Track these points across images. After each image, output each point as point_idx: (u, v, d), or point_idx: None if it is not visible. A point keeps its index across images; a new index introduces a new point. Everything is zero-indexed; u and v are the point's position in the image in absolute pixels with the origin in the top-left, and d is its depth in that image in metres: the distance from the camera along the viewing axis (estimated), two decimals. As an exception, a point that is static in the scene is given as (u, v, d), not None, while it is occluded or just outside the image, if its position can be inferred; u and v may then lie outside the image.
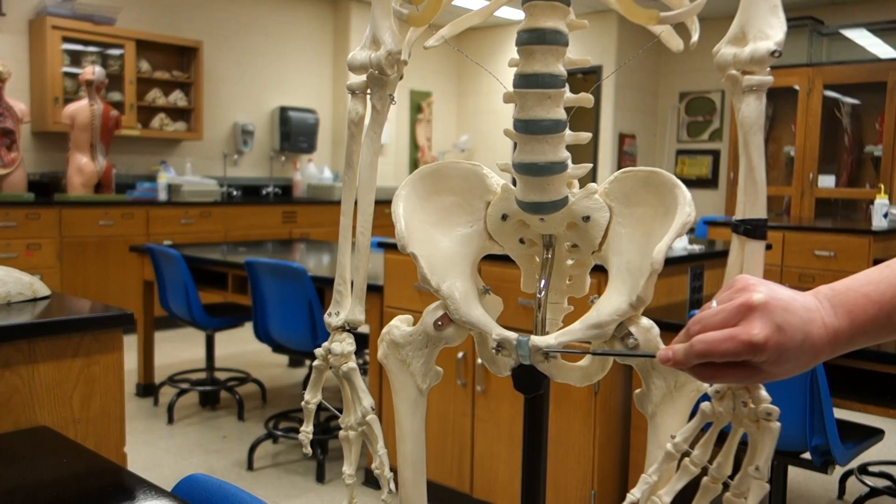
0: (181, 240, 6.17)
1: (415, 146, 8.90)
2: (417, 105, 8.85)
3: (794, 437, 2.25)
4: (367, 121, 1.00)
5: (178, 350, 5.56)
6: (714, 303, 0.72)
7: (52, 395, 1.50)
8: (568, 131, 0.92)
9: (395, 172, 8.55)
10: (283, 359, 5.32)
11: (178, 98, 6.80)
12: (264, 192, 7.61)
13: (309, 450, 1.06)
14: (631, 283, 0.88)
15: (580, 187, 0.96)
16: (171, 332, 6.02)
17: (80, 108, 5.81)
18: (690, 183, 8.43)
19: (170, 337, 5.89)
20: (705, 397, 0.87)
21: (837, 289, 0.73)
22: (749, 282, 0.71)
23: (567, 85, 0.91)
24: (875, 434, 2.50)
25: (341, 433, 1.03)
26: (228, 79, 7.33)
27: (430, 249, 0.95)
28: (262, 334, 3.60)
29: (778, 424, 0.81)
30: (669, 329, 2.47)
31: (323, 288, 3.49)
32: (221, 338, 5.77)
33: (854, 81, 7.16)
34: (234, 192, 7.21)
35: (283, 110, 7.58)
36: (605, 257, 0.94)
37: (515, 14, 6.86)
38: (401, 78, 0.99)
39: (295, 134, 7.60)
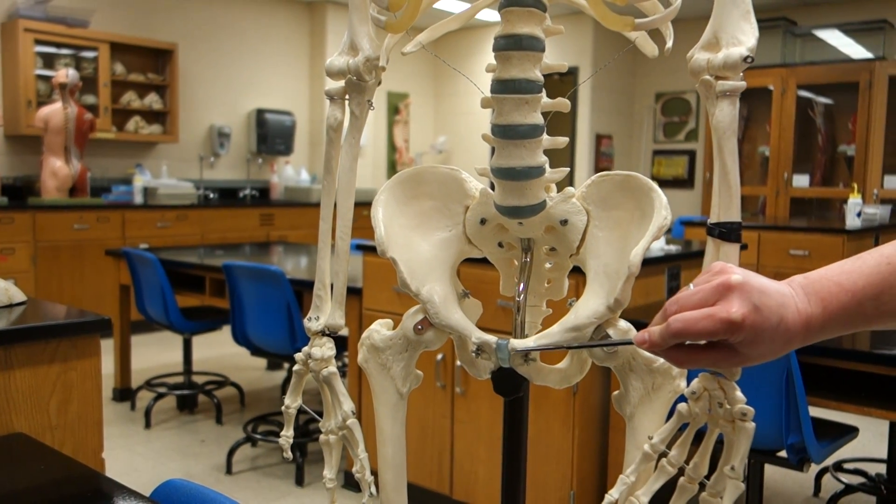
0: (157, 243, 6.12)
1: (392, 148, 8.90)
2: (395, 107, 8.85)
3: (771, 436, 2.28)
4: (345, 126, 1.00)
5: (156, 354, 5.52)
6: (692, 286, 0.73)
7: (29, 402, 1.49)
8: (545, 136, 0.92)
9: (372, 174, 8.54)
10: (262, 362, 5.30)
11: (153, 101, 6.75)
12: (241, 194, 7.57)
13: (290, 454, 1.06)
14: (608, 285, 0.89)
15: (558, 191, 0.97)
16: (148, 335, 5.97)
17: (54, 111, 5.75)
18: (667, 183, 8.50)
19: (147, 341, 5.85)
20: (682, 398, 0.88)
21: (811, 277, 0.74)
22: (726, 266, 0.72)
23: (544, 90, 0.92)
24: (850, 432, 2.54)
25: (322, 437, 1.03)
26: (204, 81, 7.29)
27: (410, 254, 0.96)
28: (241, 338, 3.59)
29: (753, 424, 0.82)
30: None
31: (301, 291, 3.48)
32: (199, 341, 5.73)
33: (827, 82, 7.25)
34: (211, 195, 7.17)
35: (260, 112, 7.55)
36: (582, 260, 0.95)
37: (492, 16, 6.88)
38: (379, 83, 0.99)
39: (272, 136, 7.57)
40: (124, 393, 4.47)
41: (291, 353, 3.37)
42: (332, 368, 1.01)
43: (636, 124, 8.83)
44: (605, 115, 8.42)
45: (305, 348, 1.03)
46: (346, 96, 0.99)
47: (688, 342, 0.72)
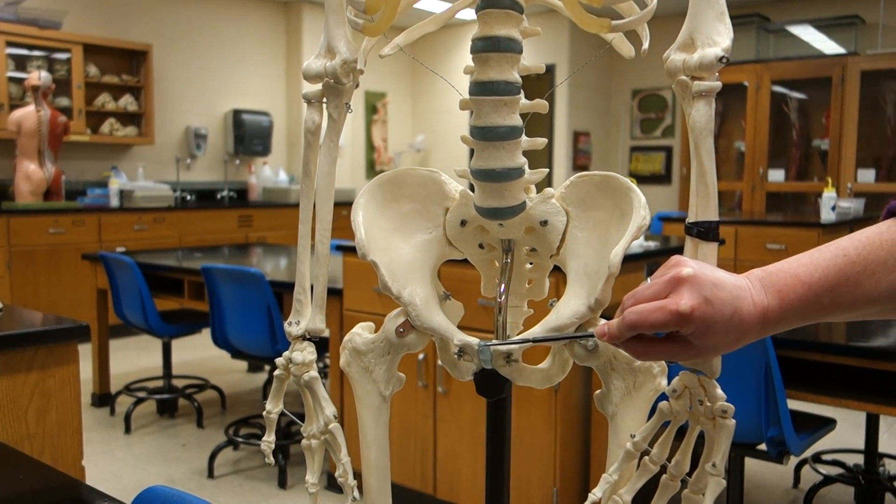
0: (134, 246, 6.07)
1: (371, 147, 8.88)
2: (373, 106, 8.83)
3: (750, 430, 2.30)
4: (323, 129, 1.00)
5: (135, 358, 5.47)
6: (648, 280, 0.75)
7: (6, 411, 1.47)
8: (524, 137, 0.93)
9: (351, 174, 8.52)
10: (242, 364, 5.27)
11: (128, 102, 6.70)
12: (219, 196, 7.52)
13: (272, 460, 1.06)
14: (589, 285, 0.90)
15: (537, 191, 0.98)
16: (127, 339, 5.92)
17: (27, 114, 5.69)
18: (644, 179, 8.55)
19: (125, 345, 5.80)
20: (663, 396, 0.89)
21: (769, 270, 0.75)
22: (681, 259, 0.74)
23: (522, 91, 0.92)
24: (828, 424, 2.57)
25: (304, 442, 1.03)
26: (180, 82, 7.23)
27: (391, 257, 0.96)
28: (221, 341, 3.57)
29: (733, 422, 0.83)
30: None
31: (281, 293, 3.46)
32: (179, 344, 5.69)
33: (800, 77, 7.32)
34: (188, 197, 7.12)
35: (237, 113, 7.51)
36: (563, 261, 0.96)
37: (469, 14, 6.89)
38: (357, 86, 0.99)
39: (249, 137, 7.53)
40: (103, 398, 4.43)
41: (272, 356, 3.36)
42: (314, 373, 1.01)
43: (613, 121, 8.87)
44: (582, 112, 8.45)
45: (286, 353, 1.02)
46: (324, 99, 0.99)
47: (646, 334, 0.73)
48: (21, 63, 6.05)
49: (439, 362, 0.99)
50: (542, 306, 1.04)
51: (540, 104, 0.94)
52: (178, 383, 4.50)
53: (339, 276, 3.16)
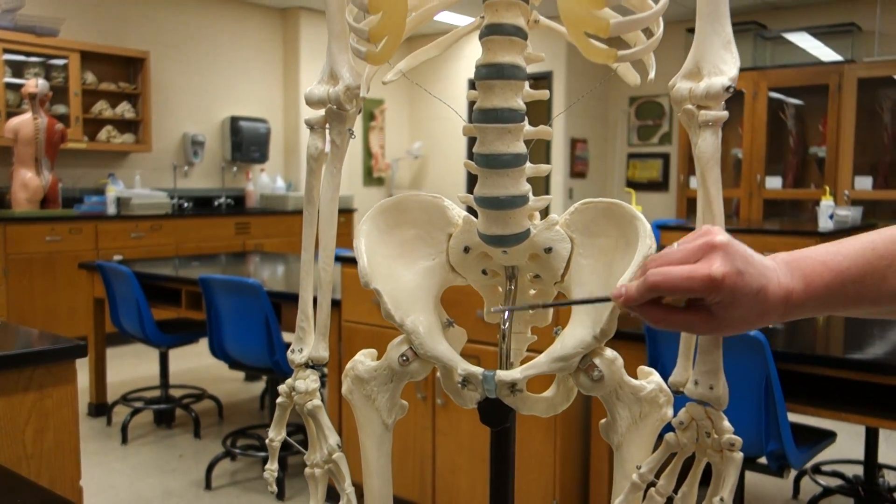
0: (131, 254, 6.05)
1: (368, 154, 8.88)
2: (370, 113, 8.83)
3: (750, 443, 2.29)
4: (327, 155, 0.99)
5: (132, 366, 5.46)
6: (675, 245, 0.73)
7: (3, 432, 1.46)
8: (528, 164, 0.92)
9: (348, 181, 8.51)
10: (240, 373, 5.25)
11: (125, 109, 6.68)
12: (216, 203, 7.51)
13: (275, 489, 1.05)
14: (594, 314, 0.89)
15: (541, 217, 0.97)
16: (124, 347, 5.90)
17: (24, 121, 5.68)
18: (642, 186, 8.55)
19: (122, 353, 5.78)
20: (670, 427, 0.88)
21: (796, 255, 0.75)
22: (712, 228, 0.72)
23: (526, 118, 0.91)
24: (828, 436, 2.56)
25: (307, 470, 1.02)
26: (177, 89, 7.22)
27: (393, 284, 0.95)
28: (218, 351, 3.56)
29: (741, 455, 0.82)
30: (625, 338, 2.49)
31: (279, 303, 3.45)
32: (176, 352, 5.66)
33: (797, 84, 7.33)
34: (186, 204, 7.11)
35: (234, 120, 7.50)
36: (567, 288, 0.95)
37: (467, 20, 6.87)
38: (359, 112, 0.98)
39: (246, 144, 7.52)
40: (100, 408, 4.41)
41: (270, 366, 3.35)
42: (317, 402, 1.00)
43: (610, 128, 8.88)
44: (579, 119, 8.46)
45: (289, 381, 1.01)
46: (327, 125, 0.98)
47: (665, 301, 0.71)
48: (18, 70, 6.04)
49: (438, 374, 0.97)
50: (546, 332, 1.03)
51: (544, 131, 0.93)
52: (175, 393, 4.48)
53: (337, 287, 3.15)
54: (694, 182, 7.74)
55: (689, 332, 0.76)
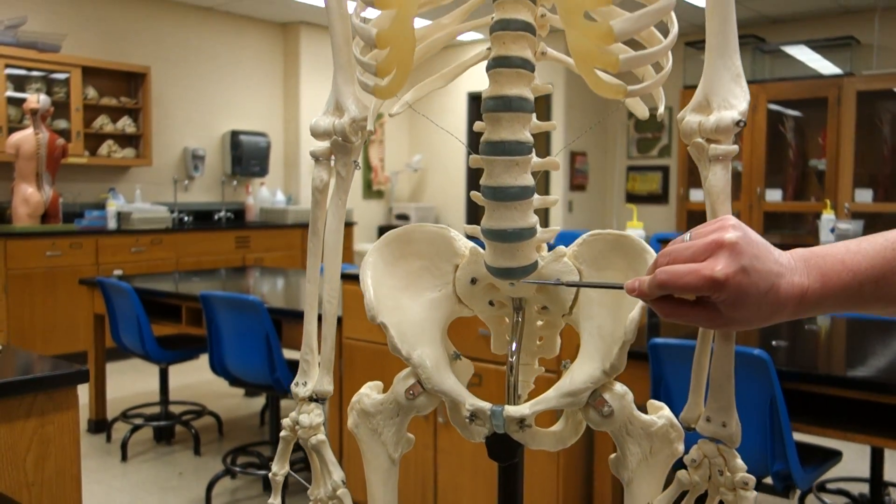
0: (132, 268, 6.04)
1: (368, 167, 8.88)
2: (370, 126, 8.82)
3: (756, 463, 2.28)
4: (331, 187, 0.99)
5: (132, 382, 5.44)
6: (688, 236, 0.73)
7: (4, 459, 1.45)
8: (535, 195, 0.91)
9: (349, 195, 8.49)
10: (240, 389, 5.23)
11: (126, 124, 6.69)
12: (216, 216, 7.50)
13: (278, 521, 1.04)
14: (604, 349, 0.88)
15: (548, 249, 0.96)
16: (123, 362, 5.88)
17: (25, 137, 5.67)
18: (641, 199, 8.55)
19: (122, 368, 5.76)
20: (680, 462, 0.87)
21: (815, 251, 0.74)
22: (729, 222, 0.72)
23: (534, 150, 0.91)
24: (833, 456, 2.55)
25: (311, 505, 1.01)
26: (178, 103, 7.23)
27: (400, 317, 0.94)
28: (219, 368, 3.54)
29: (754, 493, 0.81)
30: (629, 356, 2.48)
31: (280, 320, 3.44)
32: (175, 367, 5.65)
33: (797, 97, 7.34)
34: (186, 218, 7.10)
35: (234, 134, 7.50)
36: (575, 321, 0.94)
37: (472, 35, 6.89)
38: (365, 142, 0.97)
39: (246, 157, 7.52)
40: (100, 424, 4.39)
41: (271, 384, 3.33)
42: (322, 436, 0.99)
43: (610, 141, 8.88)
44: (579, 131, 8.46)
45: (293, 414, 1.00)
46: (332, 157, 0.97)
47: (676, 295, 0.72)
48: (20, 85, 6.04)
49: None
50: (552, 363, 1.02)
51: (552, 162, 0.92)
52: (175, 409, 4.46)
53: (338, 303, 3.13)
54: (694, 195, 7.74)
55: (699, 326, 0.76)
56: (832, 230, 5.29)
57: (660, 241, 5.86)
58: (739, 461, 0.82)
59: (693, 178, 7.68)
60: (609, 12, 0.84)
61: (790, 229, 7.57)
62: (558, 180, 8.27)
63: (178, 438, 4.30)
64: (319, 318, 1.00)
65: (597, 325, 0.90)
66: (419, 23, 0.91)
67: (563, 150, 8.11)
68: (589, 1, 0.75)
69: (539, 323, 1.01)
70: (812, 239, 5.46)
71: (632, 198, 8.68)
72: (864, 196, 7.01)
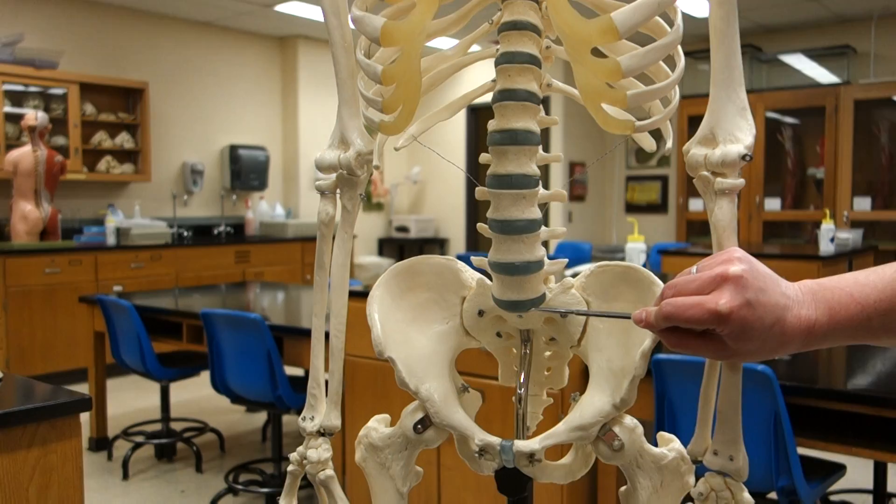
0: (131, 285, 6.03)
1: (367, 180, 8.87)
2: (368, 138, 8.83)
3: (761, 479, 2.27)
4: (337, 220, 0.98)
5: (132, 398, 5.42)
6: (694, 270, 0.73)
7: (7, 489, 1.44)
8: (543, 228, 0.91)
9: (347, 206, 8.50)
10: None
11: (124, 140, 6.69)
12: (216, 231, 7.50)
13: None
14: (613, 382, 0.87)
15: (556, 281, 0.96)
16: (123, 379, 5.86)
17: (23, 154, 5.67)
18: (641, 209, 8.55)
19: (122, 385, 5.74)
20: (690, 497, 0.87)
21: (823, 284, 0.74)
22: (734, 255, 0.72)
23: (540, 182, 0.90)
24: (838, 470, 2.54)
25: (320, 540, 1.00)
26: (176, 119, 7.23)
27: (407, 350, 0.93)
28: (220, 386, 3.53)
29: (766, 529, 0.80)
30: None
31: (281, 337, 3.43)
32: (177, 384, 5.63)
33: (794, 106, 7.36)
34: (185, 233, 7.09)
35: (233, 148, 7.51)
36: (584, 353, 0.94)
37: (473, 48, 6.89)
38: (370, 175, 0.97)
39: (245, 172, 7.52)
40: (101, 442, 4.37)
41: (272, 401, 3.32)
42: (330, 472, 0.98)
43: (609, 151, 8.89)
44: (577, 141, 8.47)
45: (300, 448, 1.00)
46: (337, 190, 0.97)
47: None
48: (18, 102, 6.05)
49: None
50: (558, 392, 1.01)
51: (559, 194, 0.92)
52: (177, 426, 4.45)
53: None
54: (693, 204, 7.74)
55: (705, 358, 0.76)
56: (832, 240, 5.29)
57: (660, 253, 5.86)
58: (747, 495, 0.81)
59: (692, 187, 7.69)
60: (617, 46, 0.84)
61: (789, 238, 7.58)
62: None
63: (180, 456, 4.28)
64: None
65: (606, 358, 0.90)
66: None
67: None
68: (596, 37, 0.75)
69: (547, 354, 1.01)
70: (812, 249, 5.46)
71: (631, 208, 8.68)
72: (863, 204, 7.02)
